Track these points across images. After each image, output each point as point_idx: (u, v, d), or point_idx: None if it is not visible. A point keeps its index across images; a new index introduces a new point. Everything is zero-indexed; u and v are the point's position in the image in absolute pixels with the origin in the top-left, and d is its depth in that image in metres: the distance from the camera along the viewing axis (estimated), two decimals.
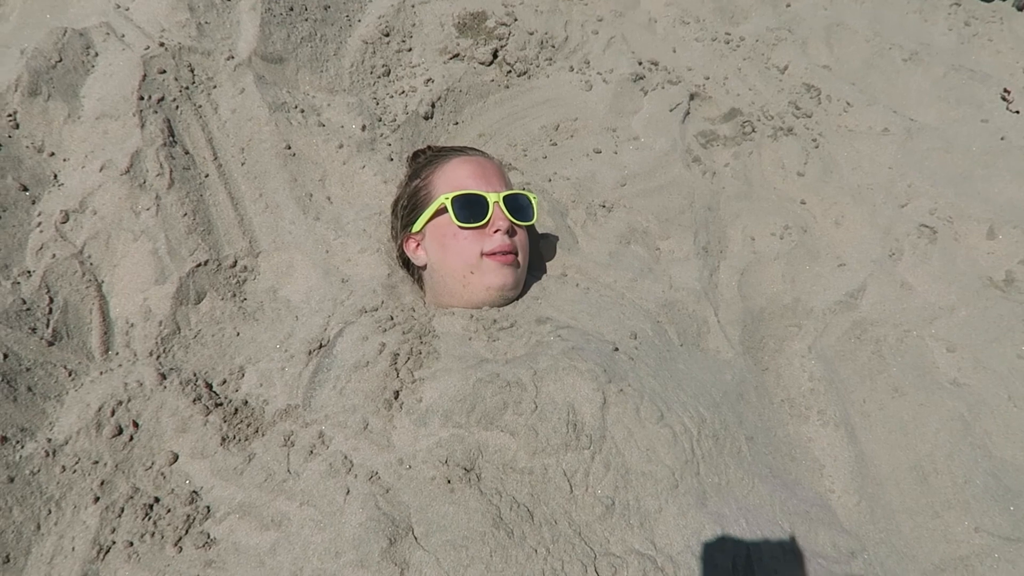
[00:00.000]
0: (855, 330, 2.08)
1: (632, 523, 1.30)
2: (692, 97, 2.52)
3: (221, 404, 1.59)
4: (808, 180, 2.40)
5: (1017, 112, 2.81)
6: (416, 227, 1.73)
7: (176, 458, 1.52)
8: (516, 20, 2.57)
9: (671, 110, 2.43)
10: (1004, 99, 2.85)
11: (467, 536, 1.23)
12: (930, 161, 2.54)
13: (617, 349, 1.57)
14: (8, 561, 1.36)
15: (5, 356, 1.53)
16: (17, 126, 1.86)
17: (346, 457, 1.39)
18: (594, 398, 1.41)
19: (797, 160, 2.43)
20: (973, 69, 2.94)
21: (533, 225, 1.84)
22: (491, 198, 1.67)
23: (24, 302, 1.63)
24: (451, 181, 1.71)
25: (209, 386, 1.63)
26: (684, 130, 2.42)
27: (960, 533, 1.75)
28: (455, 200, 1.65)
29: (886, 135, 2.57)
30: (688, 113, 2.47)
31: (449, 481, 1.31)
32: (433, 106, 2.26)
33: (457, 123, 2.32)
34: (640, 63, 2.56)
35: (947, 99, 2.79)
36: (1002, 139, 2.68)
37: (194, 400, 1.57)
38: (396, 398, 1.46)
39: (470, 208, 1.65)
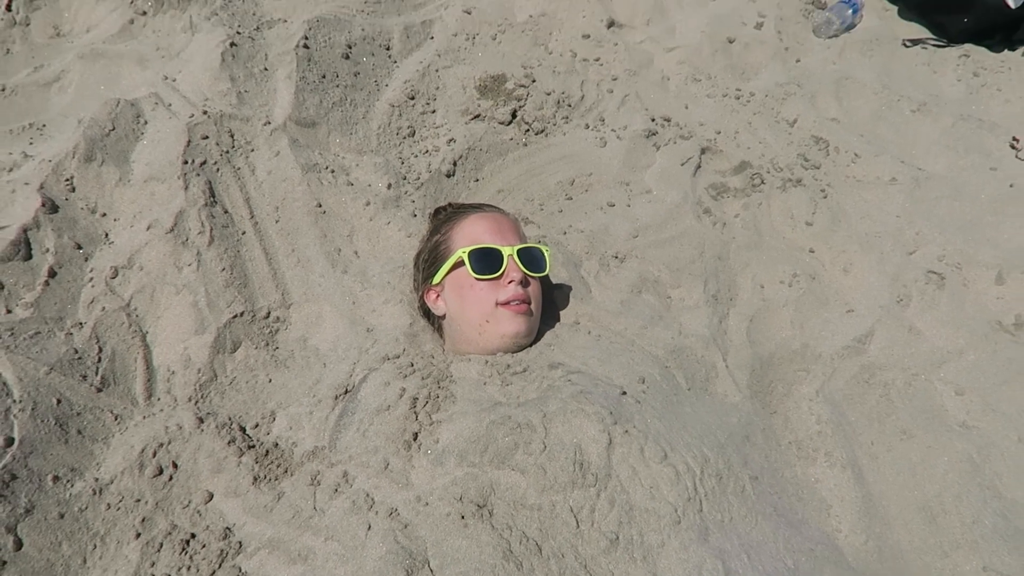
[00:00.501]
0: (863, 374, 2.14)
1: (635, 557, 1.37)
2: (703, 151, 2.63)
3: (253, 446, 1.70)
4: (817, 229, 2.48)
5: None
6: (436, 279, 1.85)
7: (211, 497, 1.63)
8: (534, 81, 2.71)
9: (682, 164, 2.54)
10: (1013, 147, 2.91)
11: (479, 568, 1.32)
12: (938, 209, 2.61)
13: (625, 393, 1.66)
14: None
15: (59, 402, 1.67)
16: (73, 189, 2.03)
17: (368, 495, 1.49)
18: (600, 439, 1.49)
19: (806, 210, 2.52)
20: (982, 118, 3.01)
21: (547, 276, 1.95)
22: (505, 251, 1.78)
23: (76, 352, 1.77)
24: (468, 236, 1.83)
25: (243, 429, 1.74)
26: (695, 183, 2.52)
27: (969, 572, 1.78)
28: (472, 253, 1.77)
29: (894, 184, 2.64)
30: (699, 166, 2.58)
31: (463, 517, 1.40)
32: (455, 164, 2.40)
33: (478, 180, 2.45)
34: (653, 119, 2.68)
35: (956, 148, 2.86)
36: (1011, 186, 2.74)
37: (229, 442, 1.69)
38: (415, 439, 1.56)
39: (486, 261, 1.77)
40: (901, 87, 3.10)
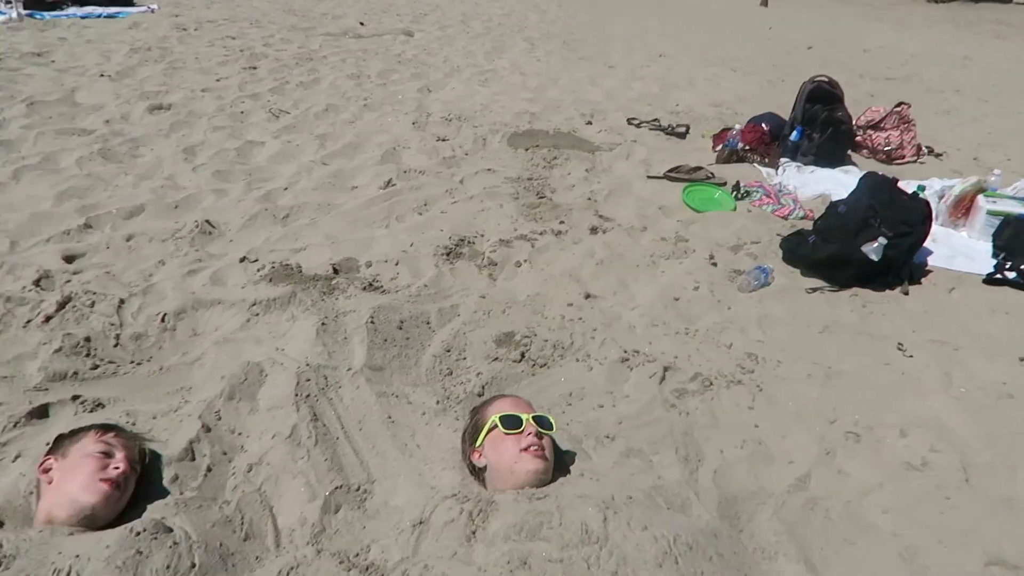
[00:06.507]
0: (808, 503, 2.63)
1: None
2: (666, 369, 3.35)
3: (356, 566, 2.22)
4: (757, 411, 3.13)
5: (911, 356, 3.61)
6: (478, 443, 2.50)
7: None
8: (536, 335, 3.56)
9: (650, 377, 3.28)
10: (900, 349, 3.67)
11: None
12: (848, 392, 3.28)
13: (615, 498, 2.23)
14: None
15: (220, 545, 2.23)
16: (220, 418, 2.75)
17: (444, 573, 2.01)
18: (598, 516, 2.05)
19: (747, 400, 3.19)
20: (872, 333, 3.80)
21: (554, 436, 2.60)
22: (524, 416, 2.47)
23: (227, 517, 2.34)
24: (497, 409, 2.52)
25: (348, 557, 2.28)
26: (662, 388, 3.22)
27: None
28: (501, 418, 2.45)
29: (810, 378, 3.35)
30: (663, 379, 3.30)
31: (512, 572, 1.93)
32: (483, 388, 3.14)
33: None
34: (625, 351, 3.47)
35: (856, 353, 3.61)
36: (903, 374, 3.45)
37: (339, 563, 2.21)
38: (474, 535, 2.11)
39: (511, 422, 2.44)
40: (808, 318, 3.94)
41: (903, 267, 4.33)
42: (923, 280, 4.51)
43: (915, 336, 3.83)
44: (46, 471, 2.24)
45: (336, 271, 4.06)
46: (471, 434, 2.56)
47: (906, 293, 4.27)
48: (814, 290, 4.27)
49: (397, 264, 4.21)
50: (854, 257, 4.21)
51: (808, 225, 4.94)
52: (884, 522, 2.60)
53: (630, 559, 1.94)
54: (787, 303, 4.10)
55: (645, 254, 4.59)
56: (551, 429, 2.53)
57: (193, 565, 2.07)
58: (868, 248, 4.16)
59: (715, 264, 4.50)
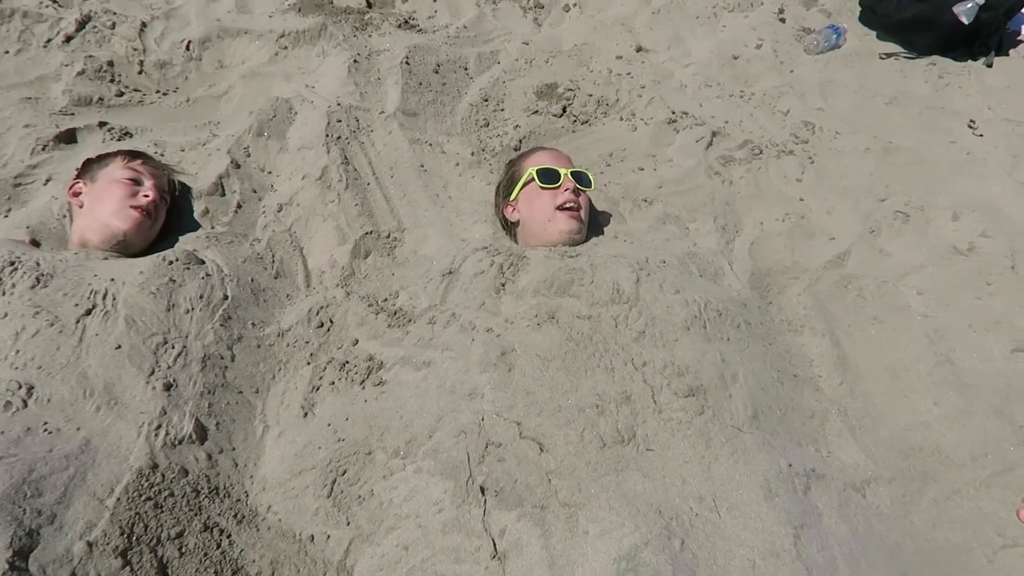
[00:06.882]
0: (842, 281, 2.57)
1: (657, 344, 1.86)
2: (714, 134, 3.16)
3: (385, 310, 2.26)
4: (805, 184, 2.98)
5: (981, 135, 3.34)
6: (512, 196, 2.41)
7: (357, 341, 2.18)
8: (579, 88, 3.33)
9: (697, 141, 3.09)
10: (970, 127, 3.39)
11: (550, 347, 1.83)
12: (905, 170, 3.08)
13: (648, 260, 2.19)
14: (258, 392, 2.02)
15: (252, 280, 2.25)
16: (249, 155, 2.67)
17: (471, 322, 2.01)
18: (630, 277, 2.01)
19: (796, 171, 3.02)
20: (944, 107, 3.50)
21: (590, 196, 2.50)
22: (562, 171, 2.34)
23: (258, 254, 2.36)
24: (535, 162, 2.40)
25: (376, 301, 2.31)
26: (707, 155, 3.05)
27: (923, 407, 2.18)
28: (538, 171, 2.33)
29: (868, 152, 3.14)
30: (711, 144, 3.11)
31: (539, 324, 1.93)
32: (520, 142, 2.99)
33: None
34: (673, 112, 3.25)
35: (921, 128, 3.34)
36: (968, 154, 3.21)
37: (368, 306, 2.23)
38: (503, 287, 2.10)
39: (548, 176, 2.33)
40: (876, 87, 3.62)
41: (994, 34, 3.86)
42: (1011, 52, 4.05)
43: (990, 113, 3.51)
44: (76, 194, 2.23)
45: (370, 4, 3.75)
46: (505, 187, 2.46)
47: (990, 65, 3.86)
48: (888, 55, 3.88)
49: (436, 0, 3.86)
50: (942, 18, 3.76)
51: None
52: (917, 303, 2.54)
53: (659, 320, 1.93)
54: (855, 69, 3.75)
55: (707, 4, 4.14)
56: (589, 187, 2.42)
57: (225, 297, 2.11)
58: (960, 8, 3.69)
59: (783, 20, 4.07)
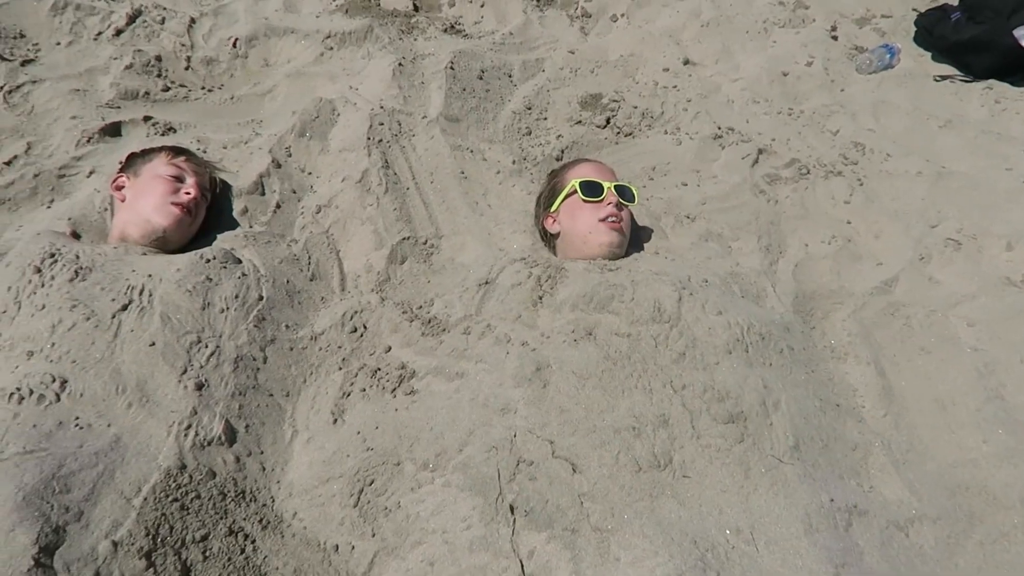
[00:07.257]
0: (889, 308, 2.48)
1: (697, 367, 1.81)
2: (760, 151, 3.08)
3: (419, 317, 2.23)
4: (853, 207, 2.89)
5: None
6: (554, 207, 2.37)
7: (390, 348, 2.15)
8: (624, 99, 3.28)
9: (742, 158, 3.02)
10: None
11: (587, 365, 1.78)
12: (958, 196, 2.98)
13: (691, 279, 2.13)
14: (289, 396, 2.00)
15: (287, 281, 2.24)
16: (290, 155, 2.67)
17: (506, 335, 1.96)
18: (672, 295, 1.95)
19: (844, 193, 2.94)
20: (1001, 132, 3.38)
21: (634, 213, 2.45)
22: (606, 184, 2.30)
23: (295, 255, 2.35)
24: (579, 174, 2.35)
25: (411, 308, 2.28)
26: (753, 172, 2.98)
27: (971, 443, 2.08)
28: (582, 183, 2.29)
29: (920, 176, 3.03)
30: (757, 161, 3.04)
31: (576, 340, 1.88)
32: (562, 152, 2.95)
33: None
34: (719, 128, 3.18)
35: (976, 153, 3.23)
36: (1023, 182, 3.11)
37: (402, 313, 2.21)
38: (540, 300, 2.06)
39: (592, 189, 2.28)
40: (930, 109, 3.51)
41: None
42: None
43: None
44: (119, 188, 2.24)
45: (416, 8, 3.74)
46: (547, 198, 2.42)
47: None
48: (943, 78, 3.77)
49: (483, 6, 3.85)
50: (1001, 42, 3.64)
51: (954, 0, 4.25)
52: (967, 335, 2.44)
53: (700, 342, 1.87)
54: (909, 90, 3.64)
55: (758, 19, 4.07)
56: (632, 201, 2.37)
57: (261, 297, 2.10)
58: (1021, 32, 3.57)
59: (835, 37, 3.97)
